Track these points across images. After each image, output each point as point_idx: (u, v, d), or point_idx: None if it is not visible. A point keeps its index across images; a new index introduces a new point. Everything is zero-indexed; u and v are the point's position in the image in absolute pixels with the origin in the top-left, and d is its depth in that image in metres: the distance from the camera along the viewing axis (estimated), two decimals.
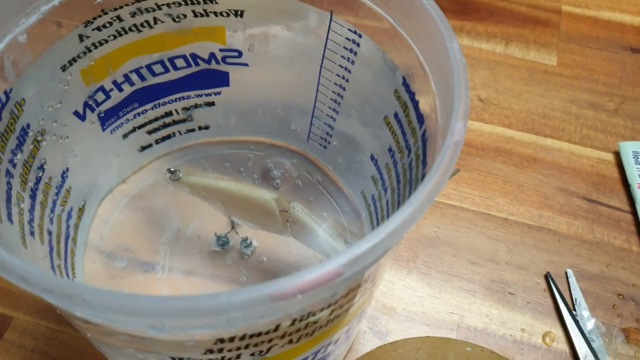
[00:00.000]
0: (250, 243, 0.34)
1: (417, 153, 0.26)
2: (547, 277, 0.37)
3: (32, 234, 0.26)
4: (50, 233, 0.27)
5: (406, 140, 0.27)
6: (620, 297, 0.37)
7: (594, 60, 0.48)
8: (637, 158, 0.41)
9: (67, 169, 0.29)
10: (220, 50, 0.31)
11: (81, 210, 0.31)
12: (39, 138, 0.27)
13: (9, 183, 0.25)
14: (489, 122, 0.44)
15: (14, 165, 0.25)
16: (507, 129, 0.44)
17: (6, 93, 0.25)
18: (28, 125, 0.26)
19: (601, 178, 0.42)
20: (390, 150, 0.29)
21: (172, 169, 0.35)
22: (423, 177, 0.24)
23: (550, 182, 0.41)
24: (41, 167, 0.27)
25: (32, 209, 0.26)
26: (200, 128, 0.35)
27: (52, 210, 0.28)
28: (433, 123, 0.24)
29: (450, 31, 0.23)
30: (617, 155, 0.43)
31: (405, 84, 0.26)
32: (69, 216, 0.29)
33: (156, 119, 0.33)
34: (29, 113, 0.26)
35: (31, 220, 0.26)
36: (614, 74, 0.48)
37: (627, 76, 0.48)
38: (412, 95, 0.26)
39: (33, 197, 0.26)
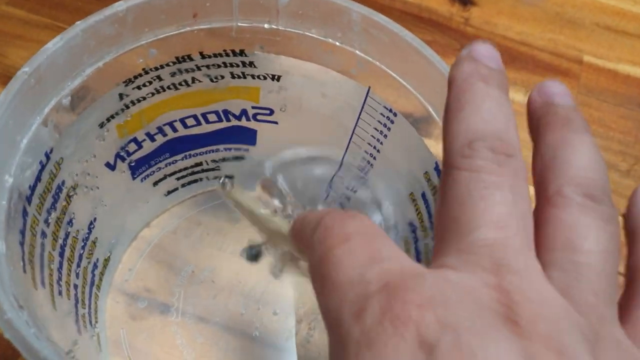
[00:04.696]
0: (281, 270, 0.34)
1: None
2: None
3: (60, 293, 0.26)
4: (76, 287, 0.28)
5: (432, 222, 0.28)
6: None
7: (610, 117, 0.49)
8: None
9: (95, 219, 0.29)
10: (253, 107, 0.31)
11: (107, 260, 0.31)
12: (71, 193, 0.27)
13: (42, 245, 0.25)
14: None
15: (48, 225, 0.26)
16: None
17: (47, 154, 0.25)
18: (63, 183, 0.27)
19: None
20: (411, 225, 0.30)
21: (223, 181, 0.34)
22: None
23: None
24: (70, 222, 0.27)
25: (60, 267, 0.26)
26: (227, 177, 0.35)
27: (78, 265, 0.28)
28: None
29: None
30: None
31: (438, 169, 0.27)
32: (95, 267, 0.30)
33: (186, 169, 0.33)
34: (65, 171, 0.26)
35: (59, 279, 0.26)
36: (629, 133, 0.48)
37: None
38: None
39: (62, 254, 0.27)
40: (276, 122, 0.32)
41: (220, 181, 0.33)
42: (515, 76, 0.51)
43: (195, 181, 0.35)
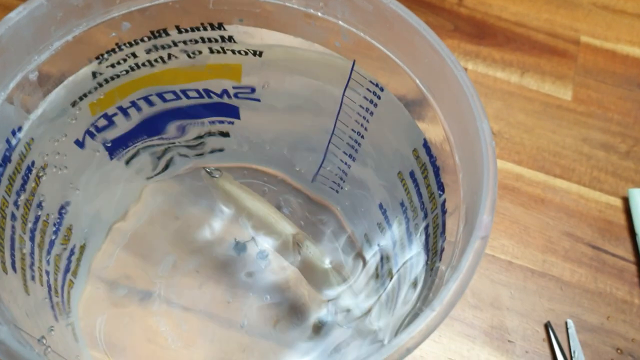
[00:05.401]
0: (267, 255, 0.33)
1: (436, 221, 0.25)
2: (547, 327, 0.37)
3: (32, 278, 0.25)
4: (47, 273, 0.27)
5: (422, 203, 0.27)
6: (619, 351, 0.36)
7: (609, 98, 0.48)
8: None
9: (67, 203, 0.28)
10: (234, 87, 0.30)
11: (83, 247, 0.30)
12: (40, 174, 0.26)
13: (13, 227, 0.24)
14: (499, 156, 0.44)
15: (17, 207, 0.24)
16: (517, 165, 0.43)
17: (14, 133, 0.24)
18: (33, 163, 0.25)
19: (608, 224, 0.41)
20: (402, 204, 0.29)
21: (209, 170, 0.34)
22: (442, 251, 0.24)
23: (557, 226, 0.41)
24: (40, 205, 0.26)
25: (32, 252, 0.25)
26: (213, 151, 0.34)
27: (49, 252, 0.27)
28: (456, 196, 0.24)
29: (481, 109, 0.22)
30: (626, 200, 0.42)
31: (427, 146, 0.26)
32: (72, 253, 0.29)
33: (163, 145, 0.32)
34: (35, 151, 0.25)
35: (32, 265, 0.25)
36: (629, 114, 0.47)
37: None
38: (432, 159, 0.25)
39: (32, 238, 0.25)
40: (258, 100, 0.31)
41: (208, 170, 0.33)
42: (511, 58, 0.49)
43: (174, 162, 0.34)
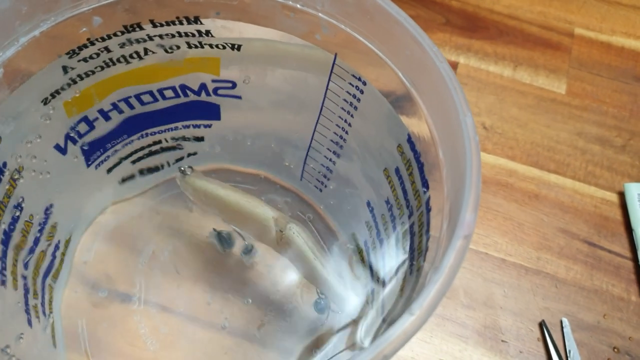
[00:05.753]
0: (251, 250, 0.32)
1: (421, 219, 0.24)
2: (542, 326, 0.36)
3: (3, 282, 0.24)
4: (25, 277, 0.26)
5: (407, 200, 0.26)
6: (616, 350, 0.36)
7: (604, 91, 0.47)
8: None
9: (52, 205, 0.27)
10: (213, 81, 0.29)
11: (68, 241, 0.29)
12: (16, 176, 0.25)
13: None
14: (492, 152, 0.43)
15: None
16: (511, 161, 0.42)
17: None
18: (4, 164, 0.24)
19: (604, 220, 0.40)
20: (387, 202, 0.28)
21: (182, 168, 0.33)
22: (426, 251, 0.23)
23: (552, 222, 0.40)
24: (18, 206, 0.25)
25: (3, 256, 0.24)
26: (189, 155, 0.33)
27: (32, 250, 0.26)
28: (440, 193, 0.23)
29: (464, 103, 0.21)
30: (622, 195, 0.41)
31: (411, 141, 0.25)
32: (57, 248, 0.28)
33: (142, 149, 0.31)
34: (5, 151, 0.24)
35: (3, 269, 0.24)
36: (624, 107, 0.46)
37: (637, 109, 0.46)
38: (417, 155, 0.24)
39: (6, 242, 0.24)
40: (239, 97, 0.30)
41: (182, 169, 0.32)
42: (504, 51, 0.48)
43: (156, 169, 0.33)
